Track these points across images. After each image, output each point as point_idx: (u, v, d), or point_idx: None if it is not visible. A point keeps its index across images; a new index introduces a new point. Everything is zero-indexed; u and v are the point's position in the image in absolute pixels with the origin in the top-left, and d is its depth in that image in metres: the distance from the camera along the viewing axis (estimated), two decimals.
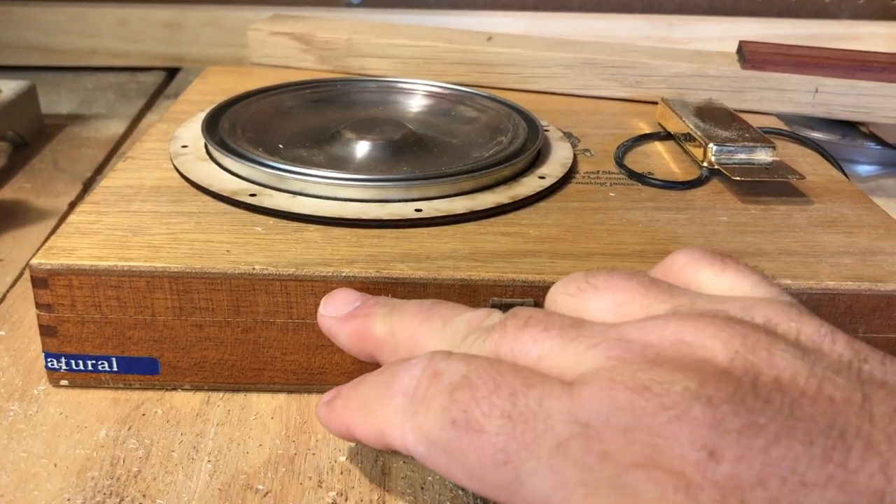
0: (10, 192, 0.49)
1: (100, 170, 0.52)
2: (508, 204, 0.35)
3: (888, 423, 0.17)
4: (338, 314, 0.27)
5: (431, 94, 0.46)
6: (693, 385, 0.18)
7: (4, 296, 0.38)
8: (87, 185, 0.50)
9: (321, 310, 0.27)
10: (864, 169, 0.55)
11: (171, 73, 0.73)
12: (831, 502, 0.16)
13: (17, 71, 0.71)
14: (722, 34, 0.76)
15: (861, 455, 0.17)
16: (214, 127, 0.40)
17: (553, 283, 0.25)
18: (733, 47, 0.75)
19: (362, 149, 0.39)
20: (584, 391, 0.19)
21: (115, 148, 0.56)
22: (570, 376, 0.20)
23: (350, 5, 0.75)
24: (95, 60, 0.72)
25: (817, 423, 0.17)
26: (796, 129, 0.52)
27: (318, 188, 0.34)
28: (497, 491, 0.20)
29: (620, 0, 0.77)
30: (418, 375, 0.21)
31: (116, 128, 0.60)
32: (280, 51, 0.55)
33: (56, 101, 0.65)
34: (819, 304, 0.31)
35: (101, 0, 0.72)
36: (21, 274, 0.40)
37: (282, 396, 0.32)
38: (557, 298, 0.23)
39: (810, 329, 0.20)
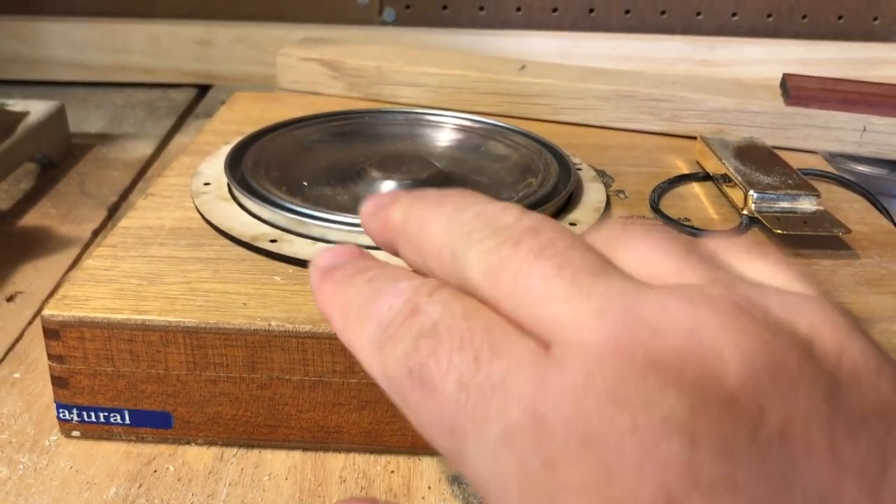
0: (35, 218, 0.49)
1: (125, 195, 0.52)
2: None
3: None
4: (374, 210, 0.24)
5: (461, 128, 0.45)
6: (682, 411, 0.15)
7: (22, 333, 0.38)
8: (112, 212, 0.50)
9: (362, 207, 0.24)
10: None
11: (202, 89, 0.72)
12: None
13: (48, 86, 0.71)
14: (764, 57, 0.74)
15: None
16: (238, 163, 0.39)
17: None
18: (776, 70, 0.72)
19: (388, 189, 0.38)
20: (555, 378, 0.16)
21: (143, 171, 0.56)
22: (558, 336, 0.17)
23: (384, 23, 0.74)
24: (125, 76, 0.71)
25: (807, 495, 0.14)
26: (842, 162, 0.50)
27: (339, 234, 0.33)
28: (445, 452, 0.18)
29: (659, 21, 0.75)
30: (398, 307, 0.19)
31: (144, 148, 0.59)
32: (309, 77, 0.54)
33: (85, 118, 0.65)
34: None
35: (132, 16, 0.72)
36: (40, 310, 0.39)
37: (297, 454, 0.31)
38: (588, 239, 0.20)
39: (857, 353, 0.16)
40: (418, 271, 0.22)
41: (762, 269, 0.19)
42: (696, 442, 0.14)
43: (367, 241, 0.30)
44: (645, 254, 0.19)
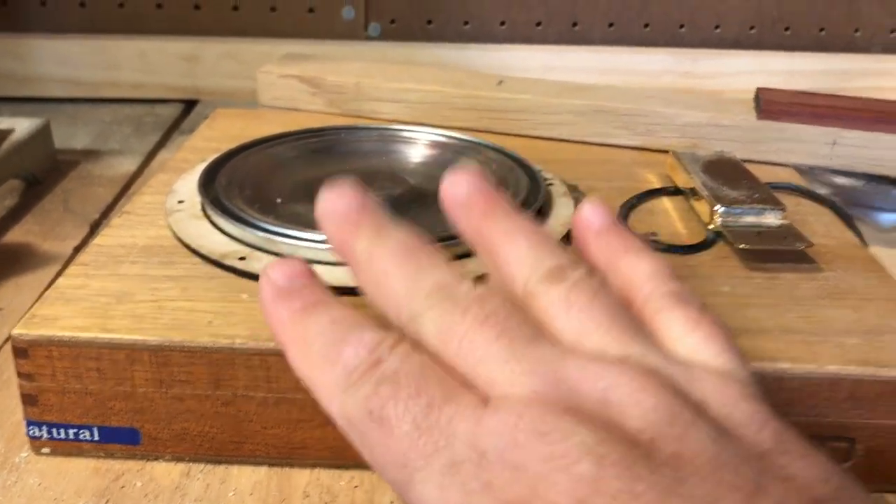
0: (18, 234, 0.49)
1: (107, 212, 0.53)
2: None
3: None
4: (335, 210, 0.26)
5: (434, 144, 0.45)
6: (591, 441, 0.18)
7: None
8: (94, 228, 0.50)
9: (320, 200, 0.26)
10: (888, 217, 0.53)
11: (189, 104, 0.73)
12: None
13: (38, 103, 0.72)
14: (748, 68, 0.74)
15: None
16: (212, 181, 0.39)
17: None
18: (760, 82, 0.73)
19: None
20: (491, 420, 0.20)
21: (126, 187, 0.56)
22: (495, 391, 0.21)
23: (370, 38, 0.74)
24: (114, 92, 0.72)
25: (695, 501, 0.18)
26: (819, 174, 0.50)
27: (307, 252, 0.34)
28: (393, 484, 0.21)
29: (643, 34, 0.76)
30: (362, 357, 0.22)
31: (129, 165, 0.60)
32: (289, 93, 0.54)
33: (72, 134, 0.65)
34: (819, 389, 0.29)
35: (122, 33, 0.73)
36: None
37: (262, 470, 0.31)
38: (542, 284, 0.24)
39: (741, 414, 0.20)
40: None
41: (695, 339, 0.23)
42: (601, 462, 0.18)
43: (334, 258, 0.30)
44: (578, 326, 0.23)
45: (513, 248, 0.25)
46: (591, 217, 0.28)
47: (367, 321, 0.23)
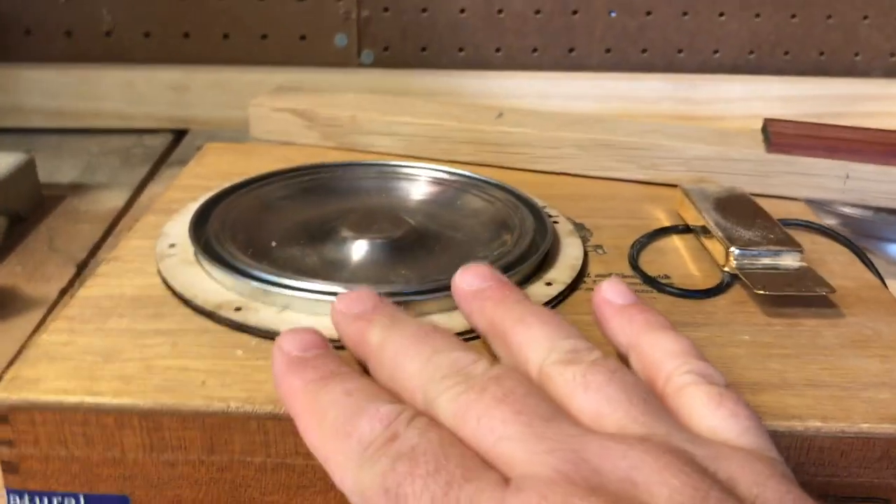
0: (1, 276, 0.47)
1: (94, 250, 0.51)
2: None
3: None
4: (348, 312, 0.27)
5: (436, 181, 0.44)
6: None
7: None
8: (81, 268, 0.48)
9: (336, 303, 0.28)
10: None
11: (179, 134, 0.71)
12: None
13: (21, 133, 0.70)
14: (746, 94, 0.73)
15: None
16: (203, 224, 0.37)
17: None
18: (758, 107, 0.72)
19: (359, 249, 0.37)
20: (513, 499, 0.19)
21: (114, 223, 0.55)
22: (515, 471, 0.20)
23: (362, 65, 0.73)
24: (101, 123, 0.70)
25: None
26: (827, 204, 0.49)
27: (304, 304, 0.32)
28: None
29: (641, 59, 0.75)
30: (378, 431, 0.22)
31: (117, 200, 0.58)
32: (282, 127, 0.53)
33: (58, 167, 0.63)
34: (851, 448, 0.28)
35: (108, 62, 0.71)
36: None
37: None
38: (558, 365, 0.24)
39: (772, 494, 0.20)
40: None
41: (719, 418, 0.23)
42: None
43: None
44: (596, 407, 0.22)
45: (527, 333, 0.25)
46: (612, 295, 0.28)
47: (383, 393, 0.23)
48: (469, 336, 0.30)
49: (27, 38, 0.71)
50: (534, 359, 0.24)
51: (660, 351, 0.26)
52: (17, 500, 0.29)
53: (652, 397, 0.23)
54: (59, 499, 0.29)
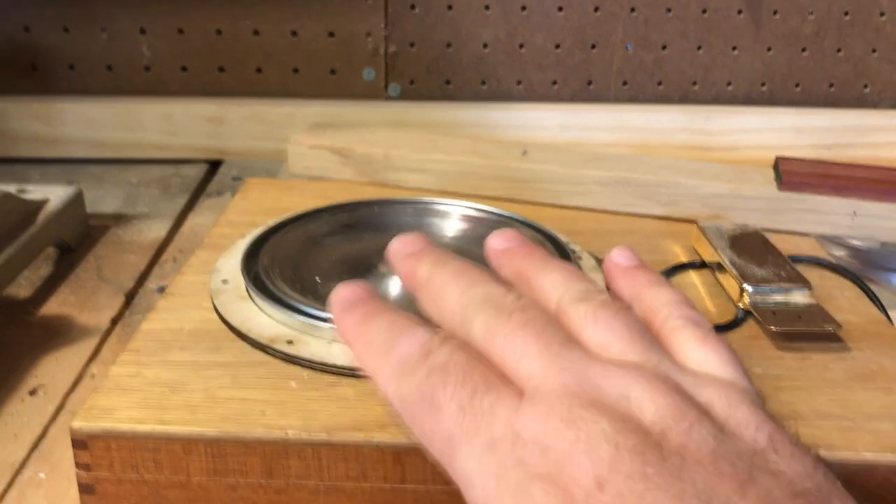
0: (55, 306, 0.50)
1: (142, 280, 0.54)
2: None
3: (755, 501, 0.20)
4: (402, 250, 0.31)
5: (467, 218, 0.47)
6: (610, 430, 0.22)
7: (45, 430, 0.39)
8: (129, 298, 0.51)
9: (391, 244, 0.32)
10: None
11: (213, 165, 0.74)
12: None
13: (65, 164, 0.73)
14: (759, 125, 0.76)
15: None
16: (253, 260, 0.40)
17: None
18: (771, 138, 0.75)
19: (397, 284, 0.40)
20: (528, 408, 0.23)
21: (158, 254, 0.57)
22: (530, 384, 0.24)
23: (389, 98, 0.76)
24: (140, 153, 0.73)
25: (696, 486, 0.20)
26: (837, 238, 0.51)
27: None
28: (438, 456, 0.24)
29: (657, 91, 0.78)
30: (416, 348, 0.26)
31: (159, 230, 0.61)
32: (319, 163, 0.56)
33: (101, 197, 0.66)
34: (855, 477, 0.30)
35: (147, 95, 0.75)
36: (62, 405, 0.41)
37: None
38: (572, 303, 0.27)
39: (741, 417, 0.23)
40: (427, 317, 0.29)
41: (703, 353, 0.27)
42: (618, 448, 0.21)
43: None
44: (602, 337, 0.26)
45: (547, 277, 0.29)
46: (620, 258, 0.34)
47: (421, 322, 0.27)
48: None
49: (70, 72, 0.75)
50: (551, 298, 0.28)
51: (657, 300, 0.30)
52: None
53: (648, 334, 0.27)
54: None
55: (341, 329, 0.29)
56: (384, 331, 0.27)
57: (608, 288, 0.34)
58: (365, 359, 0.28)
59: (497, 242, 0.33)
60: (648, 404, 0.23)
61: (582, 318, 0.27)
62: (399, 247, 0.32)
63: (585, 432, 0.22)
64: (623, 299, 0.32)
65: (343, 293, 0.30)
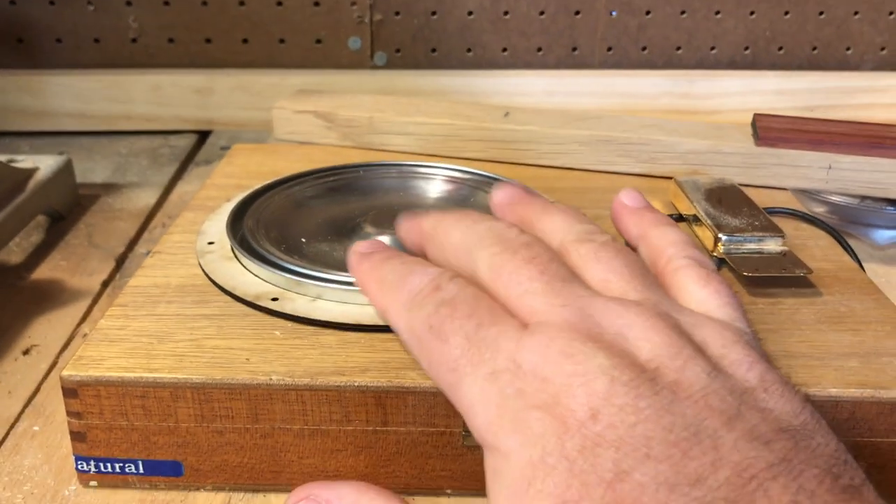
0: (46, 270, 0.51)
1: (131, 245, 0.54)
2: None
3: (741, 434, 0.21)
4: (406, 219, 0.33)
5: (451, 180, 0.47)
6: (607, 364, 0.22)
7: (39, 387, 0.40)
8: (120, 262, 0.52)
9: (400, 224, 0.33)
10: (883, 235, 0.55)
11: (202, 135, 0.75)
12: (660, 474, 0.20)
13: (54, 136, 0.74)
14: (743, 89, 0.76)
15: (703, 449, 0.21)
16: (239, 223, 0.41)
17: None
18: (754, 101, 0.75)
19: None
20: (529, 341, 0.24)
21: (147, 220, 0.58)
22: (532, 319, 0.25)
23: (375, 67, 0.76)
24: (129, 125, 0.74)
25: (685, 419, 0.21)
26: (815, 193, 0.52)
27: (335, 294, 0.35)
28: (443, 385, 0.25)
29: (641, 56, 0.78)
30: (425, 283, 0.27)
31: (148, 198, 0.62)
32: (304, 128, 0.56)
33: (91, 168, 0.67)
34: (822, 409, 0.31)
35: (135, 67, 0.75)
36: (54, 363, 0.42)
37: None
38: (574, 243, 0.29)
39: (734, 357, 0.24)
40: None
41: (704, 294, 0.28)
42: (613, 381, 0.22)
43: (363, 299, 0.33)
44: (603, 275, 0.27)
45: (549, 220, 0.30)
46: (628, 199, 0.35)
47: (429, 264, 0.29)
48: None
49: (58, 45, 0.75)
50: (554, 238, 0.29)
51: (664, 240, 0.31)
52: (85, 465, 0.33)
53: (649, 273, 0.28)
54: (121, 464, 0.33)
55: (357, 273, 0.31)
56: (397, 270, 0.29)
57: (617, 229, 0.35)
58: (378, 295, 0.29)
59: (500, 196, 0.34)
60: (644, 342, 0.24)
61: (584, 257, 0.28)
62: (405, 222, 0.33)
63: (583, 366, 0.22)
64: (630, 239, 0.34)
65: (360, 245, 0.32)
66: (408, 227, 0.32)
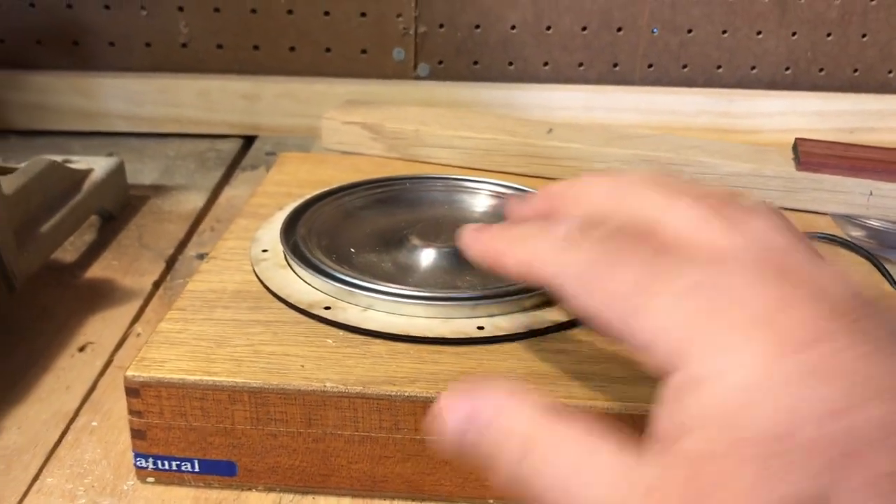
0: (99, 270, 0.53)
1: (181, 247, 0.56)
2: (565, 322, 0.37)
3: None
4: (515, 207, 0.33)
5: (496, 195, 0.48)
6: (807, 296, 0.21)
7: (95, 383, 0.42)
8: (170, 264, 0.54)
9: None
10: None
11: (248, 140, 0.77)
12: (888, 414, 0.19)
13: (105, 137, 0.76)
14: (783, 109, 0.77)
15: None
16: (291, 231, 0.43)
17: (603, 407, 0.32)
18: (794, 122, 0.76)
19: (428, 257, 0.41)
20: (713, 266, 0.23)
21: (196, 223, 0.60)
22: (713, 252, 0.24)
23: (418, 78, 0.78)
24: (177, 128, 0.76)
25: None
26: (855, 218, 0.53)
27: (385, 305, 0.37)
28: (615, 320, 0.24)
29: (681, 74, 0.79)
30: (573, 226, 0.26)
31: (196, 201, 0.63)
32: (351, 138, 0.58)
33: (140, 169, 0.69)
34: None
35: (184, 72, 0.77)
36: (110, 360, 0.43)
37: (346, 500, 0.34)
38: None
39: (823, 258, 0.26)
40: None
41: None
42: (820, 313, 0.21)
43: (412, 311, 0.34)
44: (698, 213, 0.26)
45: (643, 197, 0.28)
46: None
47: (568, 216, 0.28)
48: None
49: (110, 49, 0.77)
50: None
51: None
52: (143, 462, 0.34)
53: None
54: (178, 462, 0.34)
55: (479, 242, 0.30)
56: (534, 225, 0.28)
57: None
58: (517, 250, 0.28)
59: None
60: (838, 286, 0.22)
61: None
62: (512, 207, 0.33)
63: (790, 295, 0.22)
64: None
65: (471, 226, 0.31)
66: (534, 196, 0.32)
